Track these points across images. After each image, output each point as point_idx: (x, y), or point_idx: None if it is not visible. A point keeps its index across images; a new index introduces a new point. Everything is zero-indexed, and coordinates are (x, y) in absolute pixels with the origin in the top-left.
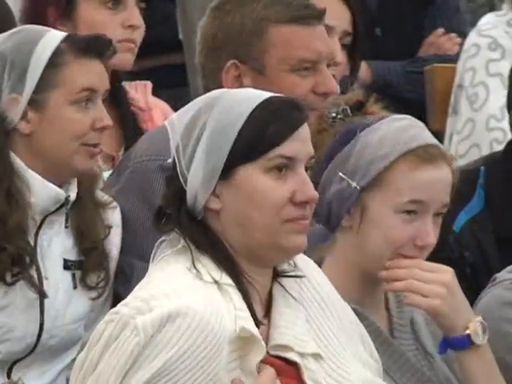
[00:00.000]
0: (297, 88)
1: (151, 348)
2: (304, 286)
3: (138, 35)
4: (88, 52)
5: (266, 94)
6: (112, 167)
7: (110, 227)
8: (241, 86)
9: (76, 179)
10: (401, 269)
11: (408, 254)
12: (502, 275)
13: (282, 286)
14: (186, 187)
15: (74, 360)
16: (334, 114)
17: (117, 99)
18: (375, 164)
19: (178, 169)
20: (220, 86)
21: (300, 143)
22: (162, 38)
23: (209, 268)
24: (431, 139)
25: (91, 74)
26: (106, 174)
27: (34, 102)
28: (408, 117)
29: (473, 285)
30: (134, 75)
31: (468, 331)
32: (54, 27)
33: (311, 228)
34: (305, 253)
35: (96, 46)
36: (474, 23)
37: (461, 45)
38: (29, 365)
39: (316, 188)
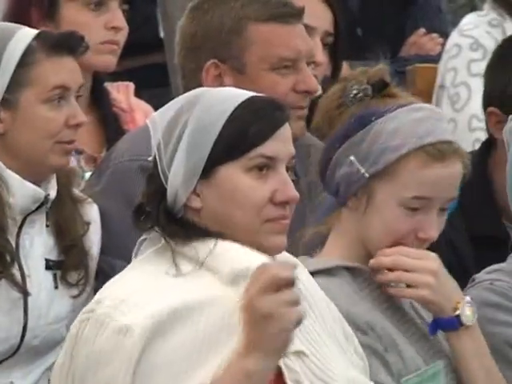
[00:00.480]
0: (277, 86)
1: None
2: None
3: (121, 37)
4: (59, 49)
5: (248, 94)
6: (94, 168)
7: (88, 223)
8: (221, 85)
9: (55, 177)
10: (387, 256)
11: (409, 245)
12: (481, 276)
13: None
14: (167, 185)
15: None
16: (355, 92)
17: (99, 100)
18: (386, 154)
19: (158, 167)
20: (200, 86)
21: (281, 143)
22: (143, 39)
23: (190, 255)
24: (445, 134)
25: (63, 71)
26: (87, 175)
27: (6, 102)
28: (426, 106)
29: None
30: (115, 76)
31: (457, 312)
32: (37, 28)
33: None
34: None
35: (68, 43)
36: (455, 23)
37: (442, 45)
38: (13, 366)
39: (323, 163)
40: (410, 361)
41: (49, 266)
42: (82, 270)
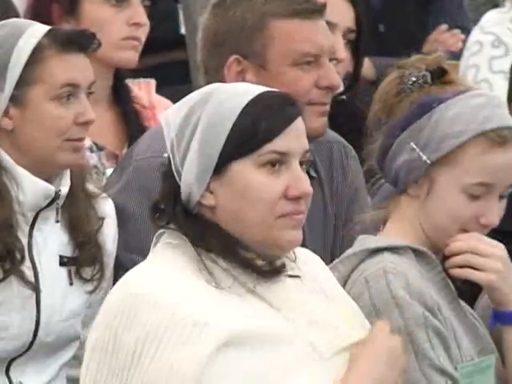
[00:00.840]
0: (300, 82)
1: None
2: (307, 281)
3: (143, 33)
4: (69, 46)
5: (260, 89)
6: (115, 165)
7: (102, 219)
8: (243, 81)
9: (68, 173)
10: (460, 241)
11: (471, 230)
12: None
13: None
14: (181, 183)
15: (73, 358)
16: (414, 79)
17: (120, 97)
18: (447, 141)
19: (172, 164)
20: (223, 82)
21: (294, 138)
22: (164, 36)
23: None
24: (505, 120)
25: (73, 69)
26: (108, 172)
27: (16, 99)
28: (485, 93)
29: None
30: (136, 73)
31: None
32: (59, 24)
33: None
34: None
35: (78, 40)
36: (476, 21)
37: (464, 41)
38: (26, 363)
39: (383, 150)
40: (465, 350)
41: (63, 262)
42: (96, 265)
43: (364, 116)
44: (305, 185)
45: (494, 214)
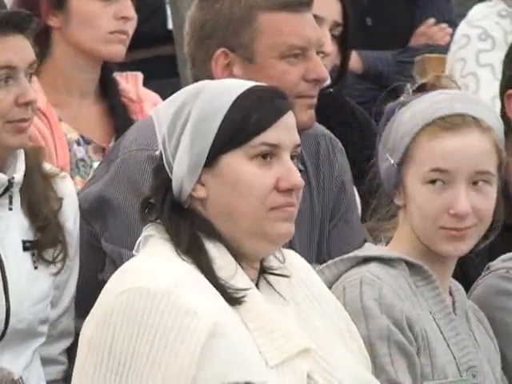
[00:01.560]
0: (287, 75)
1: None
2: (295, 281)
3: (130, 27)
4: (4, 28)
5: (250, 84)
6: (102, 158)
7: (61, 199)
8: (230, 74)
9: (23, 158)
10: None
11: (447, 225)
12: (496, 264)
13: (268, 282)
14: (172, 176)
15: (48, 338)
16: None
17: (107, 90)
18: (404, 139)
19: (164, 159)
20: (210, 76)
21: (284, 131)
22: (152, 30)
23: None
24: (457, 109)
25: (9, 51)
26: (95, 165)
27: None
28: (454, 91)
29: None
30: (124, 67)
31: None
32: (47, 18)
33: None
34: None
35: (13, 21)
36: (463, 15)
37: (451, 35)
38: (1, 351)
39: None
40: (439, 368)
41: (26, 247)
42: (58, 246)
43: (351, 109)
44: (296, 177)
45: (460, 202)
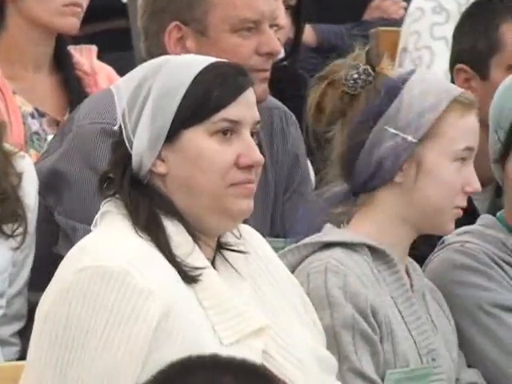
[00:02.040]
0: (240, 49)
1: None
2: (251, 258)
3: (84, 0)
4: None
5: (211, 59)
6: (56, 131)
7: (21, 174)
8: (183, 48)
9: None
10: None
11: (460, 204)
12: (451, 238)
13: (225, 258)
14: (132, 151)
15: (3, 316)
16: (355, 76)
17: (61, 63)
18: (425, 116)
19: (124, 133)
20: (163, 49)
21: (245, 108)
22: (106, 3)
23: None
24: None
25: None
26: (50, 138)
27: None
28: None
29: None
30: (78, 40)
31: None
32: None
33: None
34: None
35: None
36: None
37: (406, 8)
38: None
39: (352, 150)
40: (401, 355)
41: None
42: (18, 220)
43: (305, 82)
44: (256, 154)
45: (475, 180)
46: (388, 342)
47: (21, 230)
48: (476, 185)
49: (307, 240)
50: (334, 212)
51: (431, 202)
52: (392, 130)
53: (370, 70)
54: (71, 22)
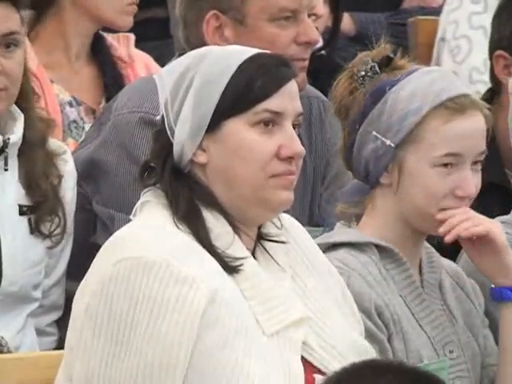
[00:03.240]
0: (278, 38)
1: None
2: (291, 247)
3: None
4: None
5: (254, 50)
6: (93, 119)
7: (62, 176)
8: (221, 36)
9: (21, 122)
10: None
11: (450, 206)
12: None
13: (265, 249)
14: (173, 140)
15: (40, 306)
16: (363, 73)
17: (99, 51)
18: (407, 119)
19: (165, 123)
20: (201, 38)
21: (287, 99)
22: None
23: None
24: (461, 89)
25: None
26: (87, 126)
27: None
28: (436, 68)
29: None
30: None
31: None
32: None
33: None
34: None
35: None
36: None
37: None
38: None
39: (347, 150)
40: (413, 352)
41: (22, 211)
42: (55, 218)
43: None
44: (298, 145)
45: (469, 184)
46: (399, 340)
47: (59, 230)
48: (469, 190)
49: (318, 240)
50: (347, 211)
51: (416, 205)
52: (374, 133)
53: (377, 68)
54: (130, 20)
